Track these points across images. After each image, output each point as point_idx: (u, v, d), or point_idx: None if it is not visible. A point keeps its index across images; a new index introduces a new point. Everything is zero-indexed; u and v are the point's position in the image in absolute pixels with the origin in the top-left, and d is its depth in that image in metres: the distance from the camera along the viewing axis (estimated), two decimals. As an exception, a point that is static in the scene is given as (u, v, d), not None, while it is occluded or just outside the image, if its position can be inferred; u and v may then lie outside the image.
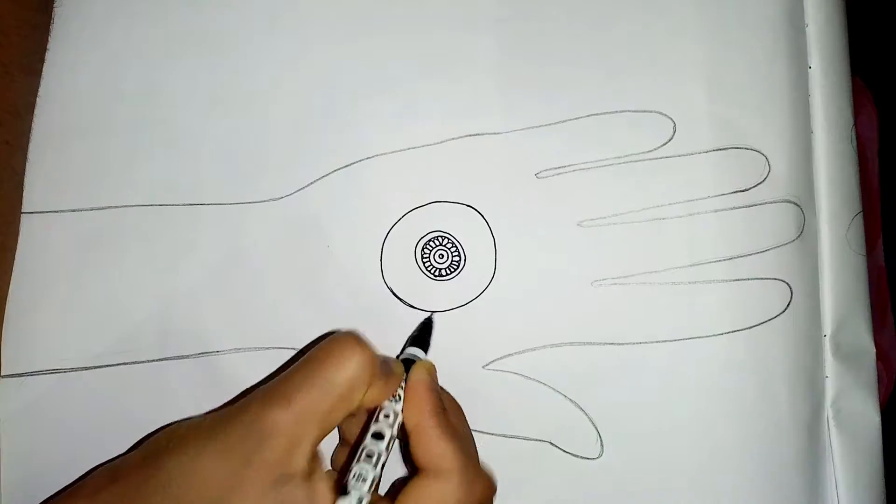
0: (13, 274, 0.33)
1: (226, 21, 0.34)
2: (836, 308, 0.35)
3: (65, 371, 0.33)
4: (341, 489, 0.24)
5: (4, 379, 0.33)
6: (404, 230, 0.34)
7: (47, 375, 0.33)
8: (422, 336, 0.32)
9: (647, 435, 0.33)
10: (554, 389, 0.33)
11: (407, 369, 0.29)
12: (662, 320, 0.33)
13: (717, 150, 0.34)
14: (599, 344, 0.33)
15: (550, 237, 0.34)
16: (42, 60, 0.33)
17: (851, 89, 0.36)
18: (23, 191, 0.33)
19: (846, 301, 0.35)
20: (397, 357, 0.31)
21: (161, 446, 0.26)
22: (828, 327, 0.35)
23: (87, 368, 0.33)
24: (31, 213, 0.33)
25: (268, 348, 0.33)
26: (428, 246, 0.34)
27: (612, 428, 0.33)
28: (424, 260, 0.34)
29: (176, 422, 0.27)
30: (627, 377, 0.33)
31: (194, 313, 0.33)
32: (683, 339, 0.33)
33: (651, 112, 0.34)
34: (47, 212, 0.33)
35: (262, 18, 0.34)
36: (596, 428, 0.33)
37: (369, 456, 0.25)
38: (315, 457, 0.25)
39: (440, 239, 0.34)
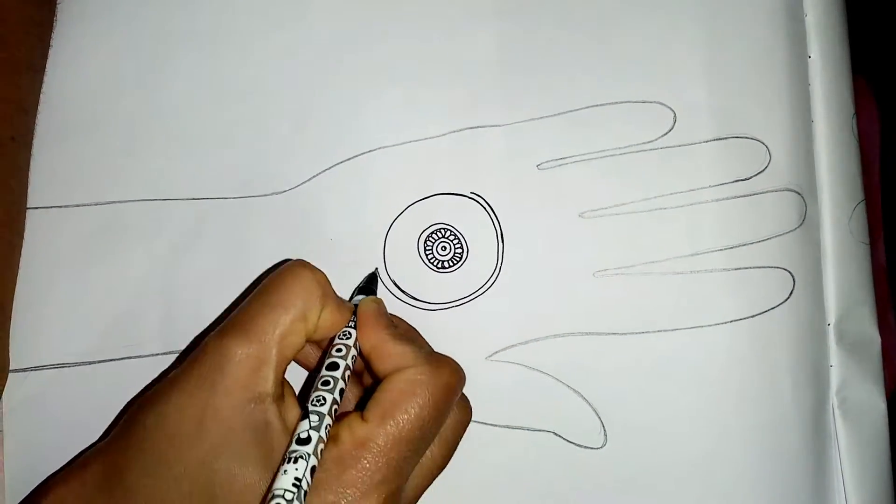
0: (20, 268, 0.33)
1: (228, 15, 0.34)
2: (839, 297, 0.35)
3: (69, 365, 0.33)
4: (302, 412, 0.25)
5: (11, 374, 0.33)
6: (407, 223, 0.34)
7: (52, 370, 0.33)
8: (368, 286, 0.32)
9: (650, 424, 0.33)
10: (557, 380, 0.33)
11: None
12: (665, 310, 0.33)
13: (717, 139, 0.34)
14: (602, 334, 0.33)
15: (552, 228, 0.34)
16: (45, 57, 0.33)
17: (851, 78, 0.36)
18: (28, 187, 0.33)
19: (850, 290, 0.35)
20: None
21: (133, 414, 0.26)
22: (832, 316, 0.35)
23: (90, 363, 0.33)
24: (36, 208, 0.33)
25: (271, 342, 0.33)
26: (430, 238, 0.34)
27: (616, 418, 0.33)
28: (427, 252, 0.34)
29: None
30: (630, 367, 0.33)
31: (197, 307, 0.33)
32: (686, 329, 0.33)
33: (651, 102, 0.34)
34: (51, 207, 0.33)
35: (264, 12, 0.34)
36: (599, 418, 0.33)
37: (325, 383, 0.26)
38: (283, 383, 0.26)
39: (442, 231, 0.34)
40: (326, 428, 0.24)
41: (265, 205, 0.34)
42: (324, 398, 0.25)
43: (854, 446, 0.34)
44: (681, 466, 0.33)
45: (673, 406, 0.33)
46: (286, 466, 0.23)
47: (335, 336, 0.28)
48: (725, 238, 0.33)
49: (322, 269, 0.27)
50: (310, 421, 0.24)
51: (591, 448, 0.33)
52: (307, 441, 0.24)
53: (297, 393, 0.30)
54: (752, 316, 0.33)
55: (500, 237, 0.34)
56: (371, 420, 0.25)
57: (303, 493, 0.22)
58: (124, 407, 0.33)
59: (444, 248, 0.34)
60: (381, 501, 0.24)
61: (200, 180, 0.34)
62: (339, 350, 0.27)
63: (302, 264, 0.27)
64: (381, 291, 0.34)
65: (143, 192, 0.34)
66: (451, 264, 0.34)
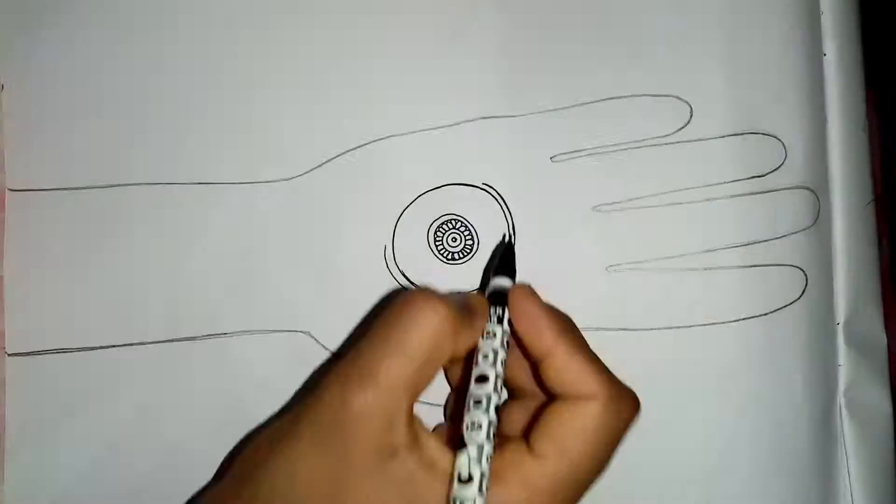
0: (22, 252, 0.32)
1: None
2: (849, 296, 0.34)
3: (72, 351, 0.32)
4: (458, 442, 0.23)
5: (11, 358, 0.32)
6: (417, 213, 0.33)
7: (54, 355, 0.32)
8: (504, 263, 0.29)
9: (658, 420, 0.33)
10: (567, 374, 0.33)
11: (496, 302, 0.26)
12: (677, 306, 0.33)
13: (733, 135, 0.33)
14: (613, 329, 0.33)
15: (565, 222, 0.33)
16: None
17: (864, 77, 0.36)
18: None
19: (859, 289, 0.35)
20: (479, 291, 0.29)
21: (251, 464, 0.24)
22: (841, 315, 0.34)
23: (94, 348, 0.32)
24: (38, 190, 0.33)
25: (277, 331, 0.33)
26: (441, 229, 0.33)
27: (625, 414, 0.33)
28: (437, 243, 0.33)
29: (251, 434, 0.25)
30: (640, 363, 0.33)
31: (202, 294, 0.33)
32: (698, 325, 0.33)
33: (668, 96, 0.33)
34: (54, 189, 0.33)
35: (276, -5, 0.34)
36: (609, 414, 0.33)
37: (478, 402, 0.23)
38: (413, 422, 0.23)
39: (453, 222, 0.33)
40: (488, 458, 0.22)
41: (273, 191, 0.33)
42: (479, 423, 0.22)
43: (861, 447, 0.34)
44: (689, 462, 0.33)
45: (681, 402, 0.33)
46: None
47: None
48: (740, 235, 0.33)
49: (437, 298, 0.24)
50: (468, 456, 0.22)
51: (599, 444, 0.33)
52: (470, 480, 0.22)
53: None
54: (765, 314, 0.33)
55: (512, 229, 0.33)
56: (546, 457, 0.23)
57: None
58: (234, 449, 0.31)
59: (454, 240, 0.33)
60: None
61: (207, 165, 0.33)
62: (486, 357, 0.24)
63: (425, 298, 0.24)
64: (389, 282, 0.33)
65: (147, 175, 0.33)
66: (462, 256, 0.33)
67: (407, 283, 0.33)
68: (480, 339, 0.25)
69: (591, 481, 0.24)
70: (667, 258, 0.33)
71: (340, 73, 0.33)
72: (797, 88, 0.34)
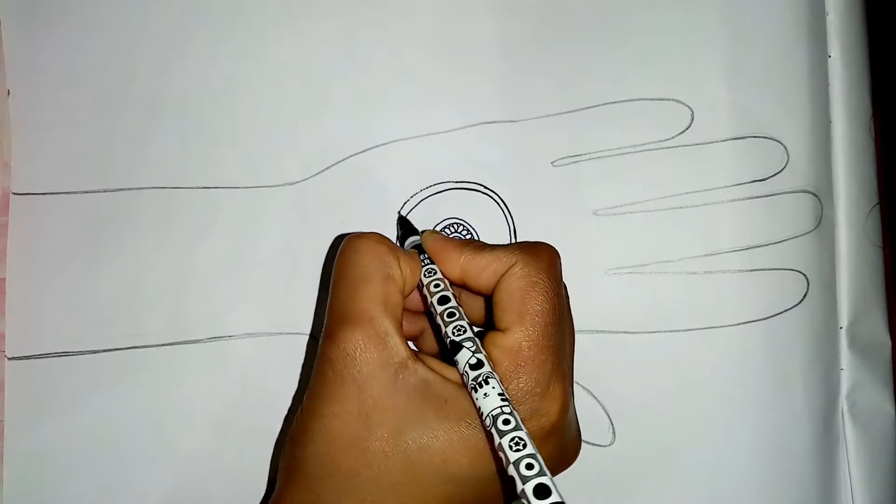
0: (25, 255, 0.32)
1: (242, 4, 0.34)
2: (852, 300, 0.34)
3: (74, 354, 0.33)
4: (451, 348, 0.25)
5: (12, 361, 0.32)
6: (420, 216, 0.33)
7: (56, 358, 0.33)
8: (406, 229, 0.32)
9: (659, 424, 0.33)
10: (568, 378, 0.33)
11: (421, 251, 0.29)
12: (677, 310, 0.33)
13: (735, 138, 0.33)
14: (614, 332, 0.33)
15: (566, 225, 0.33)
16: None
17: (870, 79, 0.36)
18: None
19: (863, 293, 0.35)
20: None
21: (291, 450, 0.26)
22: (844, 319, 0.34)
23: (97, 351, 0.33)
24: (44, 194, 0.33)
25: (280, 333, 0.33)
26: (443, 233, 0.33)
27: (625, 416, 0.33)
28: (438, 247, 0.33)
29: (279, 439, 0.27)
30: (641, 366, 0.33)
31: (207, 297, 0.33)
32: (698, 329, 0.33)
33: (668, 100, 0.33)
34: (59, 193, 0.33)
35: (279, 4, 0.34)
36: (608, 416, 0.33)
37: (451, 314, 0.26)
38: (407, 343, 0.26)
39: (455, 226, 0.33)
40: (482, 347, 0.25)
41: (277, 195, 0.33)
42: (462, 327, 0.25)
43: (863, 449, 0.34)
44: (689, 466, 0.33)
45: (683, 405, 0.33)
46: (483, 391, 0.23)
47: (422, 278, 0.28)
48: (741, 239, 0.33)
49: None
50: (468, 349, 0.25)
51: (600, 446, 0.33)
52: (480, 364, 0.24)
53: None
54: (766, 318, 0.33)
55: (514, 233, 0.33)
56: (511, 327, 0.25)
57: (510, 403, 0.23)
58: (275, 454, 0.32)
59: (455, 243, 0.33)
60: (561, 383, 0.25)
61: (212, 169, 0.33)
62: (437, 285, 0.27)
63: (357, 235, 0.27)
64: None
65: (153, 179, 0.33)
66: (463, 259, 0.33)
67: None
68: (423, 276, 0.28)
69: (562, 319, 0.26)
70: (667, 262, 0.33)
71: (344, 79, 0.34)
72: (800, 90, 0.34)
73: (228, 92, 0.33)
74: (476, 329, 0.26)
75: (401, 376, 0.24)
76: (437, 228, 0.33)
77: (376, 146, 0.33)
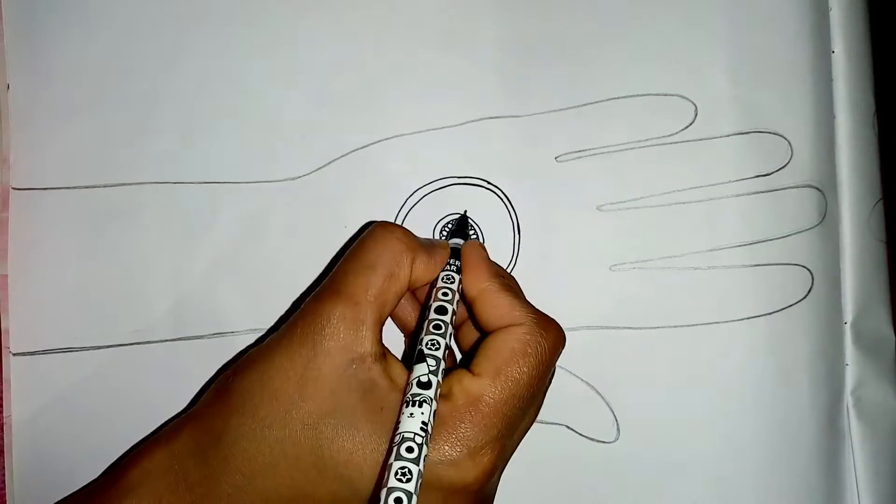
0: (26, 251, 0.32)
1: (244, -2, 0.34)
2: (857, 295, 0.34)
3: (77, 350, 0.33)
4: (416, 356, 0.25)
5: (16, 357, 0.32)
6: (423, 211, 0.33)
7: (60, 354, 0.32)
8: (461, 229, 0.32)
9: (663, 419, 0.33)
10: (571, 373, 0.33)
11: (456, 256, 0.29)
12: (681, 305, 0.33)
13: (739, 133, 0.33)
14: (618, 328, 0.33)
15: (570, 221, 0.33)
16: None
17: (874, 74, 0.36)
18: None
19: (867, 288, 0.34)
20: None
21: (227, 379, 0.26)
22: (849, 315, 0.34)
23: (100, 347, 0.33)
24: (45, 189, 0.33)
25: (283, 329, 0.33)
26: (447, 227, 0.33)
27: (629, 412, 0.33)
28: (442, 242, 0.33)
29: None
30: (645, 362, 0.33)
31: (210, 293, 0.33)
32: (702, 325, 0.33)
33: (672, 95, 0.33)
34: (60, 188, 0.33)
35: (281, -4, 0.34)
36: (612, 412, 0.33)
37: (437, 327, 0.26)
38: (381, 340, 0.26)
39: (455, 223, 0.33)
40: (442, 373, 0.25)
41: (280, 190, 0.33)
42: (437, 342, 0.25)
43: (868, 445, 0.34)
44: (693, 462, 0.33)
45: (687, 401, 0.33)
46: (412, 410, 0.23)
47: (437, 280, 0.28)
48: (745, 234, 0.33)
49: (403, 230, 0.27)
50: (428, 365, 0.24)
51: (604, 442, 0.33)
52: (428, 385, 0.24)
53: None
54: (770, 313, 0.33)
55: (517, 228, 0.33)
56: (484, 375, 0.25)
57: (428, 436, 0.23)
58: (214, 375, 0.32)
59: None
60: (495, 456, 0.24)
61: (214, 164, 0.33)
62: (445, 294, 0.27)
63: (383, 225, 0.27)
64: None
65: (155, 174, 0.33)
66: (466, 255, 0.33)
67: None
68: (440, 280, 0.28)
69: (532, 400, 0.26)
70: (671, 257, 0.33)
71: (346, 73, 0.33)
72: (804, 85, 0.34)
73: (230, 86, 0.33)
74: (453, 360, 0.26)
75: (354, 367, 0.24)
76: (441, 224, 0.33)
77: (379, 141, 0.33)
